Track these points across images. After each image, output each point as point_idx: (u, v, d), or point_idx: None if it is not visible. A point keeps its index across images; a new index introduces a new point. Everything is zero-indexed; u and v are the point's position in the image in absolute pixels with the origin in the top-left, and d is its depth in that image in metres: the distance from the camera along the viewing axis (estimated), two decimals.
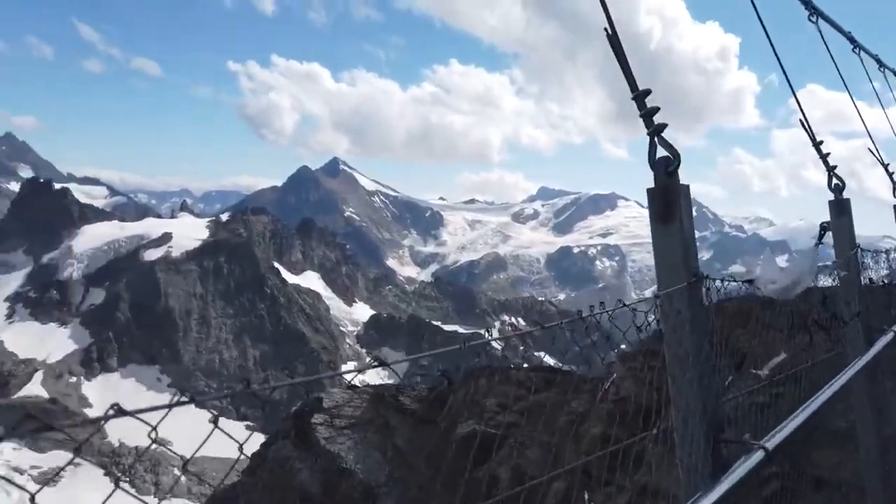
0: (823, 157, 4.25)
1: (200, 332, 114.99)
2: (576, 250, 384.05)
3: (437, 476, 8.27)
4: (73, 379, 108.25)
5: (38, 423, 1.07)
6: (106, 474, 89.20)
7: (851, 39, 6.93)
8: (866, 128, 6.14)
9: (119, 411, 1.16)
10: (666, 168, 2.39)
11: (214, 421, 1.59)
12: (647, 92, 2.47)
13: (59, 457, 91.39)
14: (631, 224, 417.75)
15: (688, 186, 2.44)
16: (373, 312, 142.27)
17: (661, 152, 2.43)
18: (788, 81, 4.40)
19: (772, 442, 2.06)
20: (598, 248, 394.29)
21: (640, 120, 2.43)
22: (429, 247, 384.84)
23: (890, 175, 5.54)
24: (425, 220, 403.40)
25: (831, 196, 4.44)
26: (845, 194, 4.55)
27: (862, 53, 7.28)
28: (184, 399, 1.27)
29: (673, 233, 2.38)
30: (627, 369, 7.57)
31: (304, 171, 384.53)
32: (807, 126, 4.19)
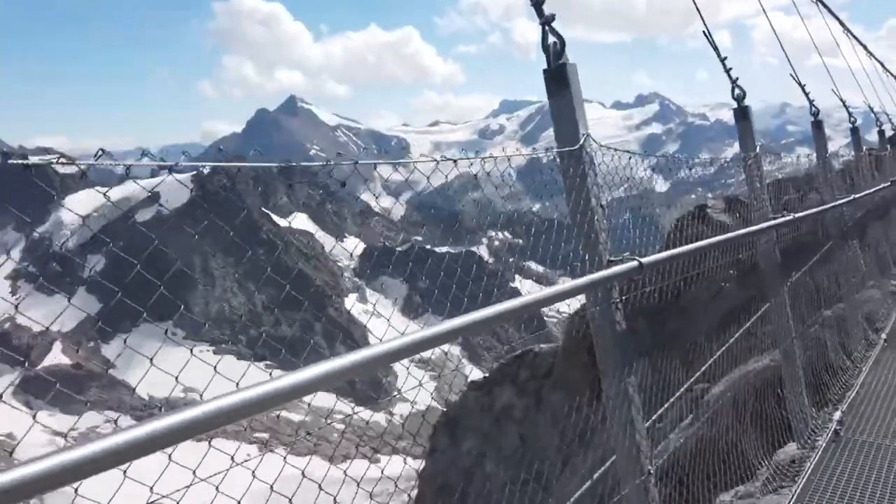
0: (727, 70, 5.02)
1: (206, 283, 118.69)
2: (545, 160, 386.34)
3: None
4: (91, 344, 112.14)
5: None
6: None
7: None
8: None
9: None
10: (555, 50, 2.94)
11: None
12: None
13: (94, 417, 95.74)
14: (596, 126, 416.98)
15: (575, 65, 2.98)
16: (364, 245, 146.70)
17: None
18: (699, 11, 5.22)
19: (647, 259, 2.92)
20: None
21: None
22: (399, 175, 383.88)
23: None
24: (392, 149, 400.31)
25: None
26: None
27: None
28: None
29: (565, 105, 3.00)
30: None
31: (262, 113, 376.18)
32: (710, 37, 4.96)
